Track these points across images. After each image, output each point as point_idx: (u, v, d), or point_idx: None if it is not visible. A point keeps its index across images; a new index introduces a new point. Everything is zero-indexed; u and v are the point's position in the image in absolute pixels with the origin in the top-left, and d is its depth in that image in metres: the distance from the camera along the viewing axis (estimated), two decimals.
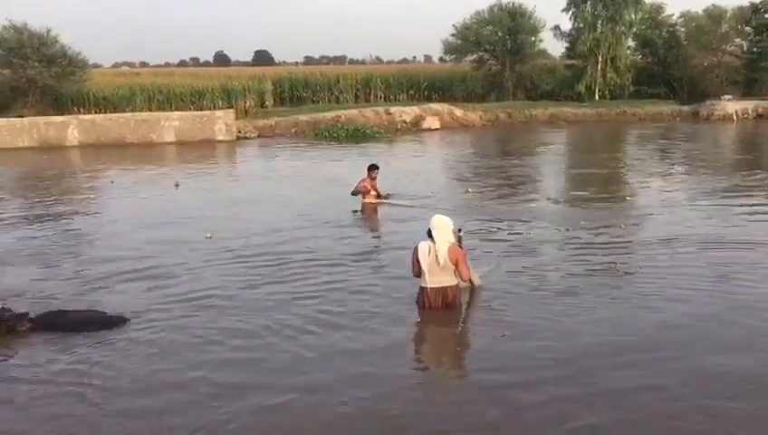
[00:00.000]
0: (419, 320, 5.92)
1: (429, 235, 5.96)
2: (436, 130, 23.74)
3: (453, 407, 4.46)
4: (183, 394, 4.64)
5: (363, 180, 10.87)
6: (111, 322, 5.86)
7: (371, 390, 4.65)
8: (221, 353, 5.27)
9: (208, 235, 8.72)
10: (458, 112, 25.44)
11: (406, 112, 24.58)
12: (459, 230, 6.27)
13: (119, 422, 4.30)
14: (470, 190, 12.09)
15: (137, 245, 8.44)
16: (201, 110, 23.62)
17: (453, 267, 5.93)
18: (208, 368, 5.02)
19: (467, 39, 29.97)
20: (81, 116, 21.56)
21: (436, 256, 5.87)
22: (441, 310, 5.96)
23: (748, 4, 28.77)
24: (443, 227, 5.96)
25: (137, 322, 5.90)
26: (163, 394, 4.65)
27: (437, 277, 5.94)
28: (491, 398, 4.51)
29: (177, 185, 12.85)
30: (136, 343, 5.49)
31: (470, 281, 6.36)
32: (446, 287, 5.98)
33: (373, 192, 10.82)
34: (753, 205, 10.40)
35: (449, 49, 31.10)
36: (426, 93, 30.43)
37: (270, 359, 5.16)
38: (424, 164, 16.19)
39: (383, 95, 30.34)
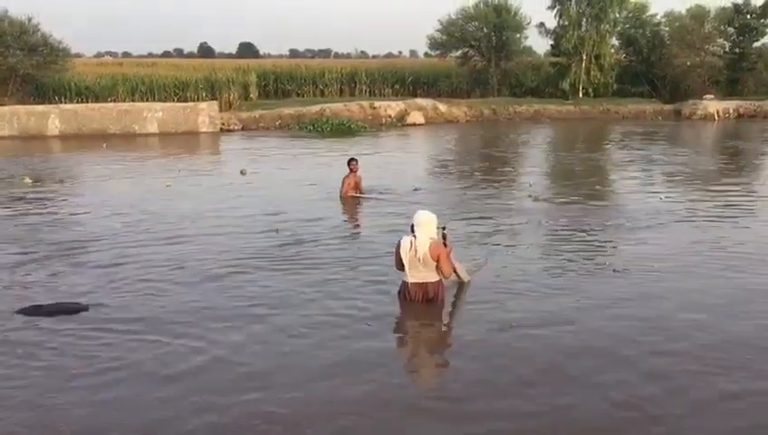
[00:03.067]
0: (400, 313, 5.92)
1: (412, 230, 5.96)
2: (420, 125, 23.79)
3: (429, 400, 4.49)
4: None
5: (346, 177, 10.86)
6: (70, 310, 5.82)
7: (344, 383, 4.61)
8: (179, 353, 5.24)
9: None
10: (443, 108, 25.49)
11: (391, 107, 24.60)
12: (443, 228, 6.23)
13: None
14: (452, 185, 12.14)
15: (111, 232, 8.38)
16: (185, 101, 23.48)
17: (434, 264, 5.93)
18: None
19: (452, 35, 30.12)
20: (62, 105, 21.35)
21: (417, 252, 5.88)
22: (423, 305, 5.96)
23: (730, 5, 29.07)
24: (425, 223, 5.94)
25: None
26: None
27: (418, 273, 5.95)
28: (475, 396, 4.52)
29: (243, 172, 12.87)
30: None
31: (458, 277, 6.37)
32: (427, 283, 5.97)
33: (352, 189, 10.80)
34: (731, 197, 10.54)
35: (434, 44, 31.24)
36: (411, 88, 30.52)
37: (240, 356, 5.03)
38: (407, 159, 16.21)
39: (368, 89, 30.36)
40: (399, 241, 6.03)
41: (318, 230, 8.65)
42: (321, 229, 8.72)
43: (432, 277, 5.98)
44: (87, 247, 7.88)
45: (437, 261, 5.92)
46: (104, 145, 17.83)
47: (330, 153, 16.10)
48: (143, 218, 9.34)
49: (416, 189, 11.46)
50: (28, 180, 12.08)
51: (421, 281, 5.96)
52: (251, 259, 7.34)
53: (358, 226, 9.52)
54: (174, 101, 23.99)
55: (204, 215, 9.52)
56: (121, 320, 5.66)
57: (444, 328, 5.88)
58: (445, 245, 6.11)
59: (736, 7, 28.73)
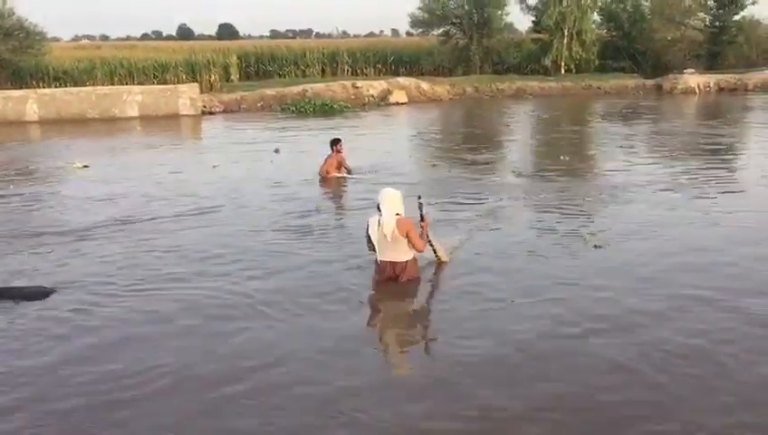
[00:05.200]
0: (373, 293, 5.87)
1: (378, 209, 5.90)
2: (403, 104, 23.71)
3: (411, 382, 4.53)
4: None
5: (329, 157, 10.83)
6: (29, 295, 5.69)
7: (318, 366, 4.58)
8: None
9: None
10: (425, 86, 25.41)
11: (373, 87, 24.46)
12: (419, 198, 6.10)
13: None
14: (435, 164, 12.15)
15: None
16: (164, 84, 23.22)
17: (404, 241, 5.84)
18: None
19: (434, 12, 29.93)
20: (40, 90, 21.02)
21: (384, 230, 5.81)
22: (395, 284, 5.89)
23: None
24: (389, 199, 5.85)
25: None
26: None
27: (387, 252, 5.88)
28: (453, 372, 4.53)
29: (276, 151, 12.93)
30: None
31: (435, 252, 6.33)
32: (397, 262, 5.89)
33: (336, 169, 10.78)
34: (710, 170, 10.65)
35: (416, 23, 31.03)
36: (393, 67, 30.38)
37: (209, 340, 4.96)
38: (391, 138, 16.20)
39: (350, 69, 30.17)
40: (368, 221, 5.99)
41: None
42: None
43: (402, 256, 5.90)
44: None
45: (407, 237, 5.84)
46: (138, 127, 17.88)
47: (347, 132, 16.04)
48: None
49: (434, 165, 11.72)
50: (78, 164, 12.15)
51: (391, 260, 5.90)
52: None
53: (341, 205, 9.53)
54: (154, 84, 23.73)
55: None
56: None
57: (414, 307, 5.76)
58: (422, 218, 6.04)
59: None
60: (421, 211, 6.09)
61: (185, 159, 13.40)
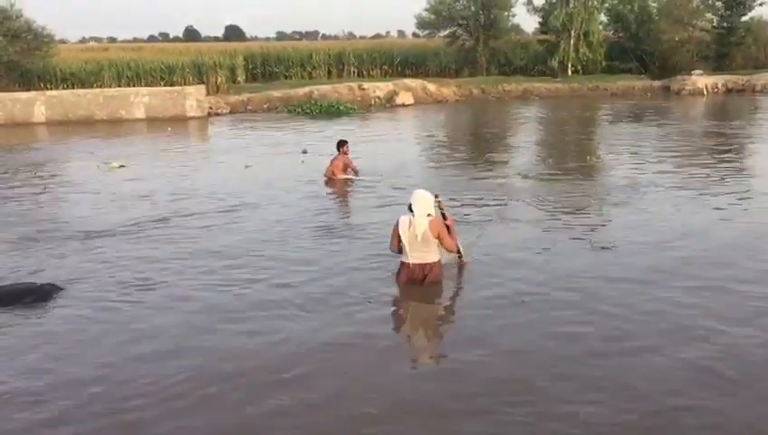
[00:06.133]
0: (399, 296, 5.87)
1: (410, 209, 5.91)
2: (409, 105, 23.69)
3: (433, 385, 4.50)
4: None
5: (335, 158, 10.82)
6: (39, 292, 5.75)
7: (344, 373, 4.56)
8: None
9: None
10: (432, 88, 25.38)
11: (379, 88, 24.45)
12: (436, 196, 6.06)
13: None
14: (441, 165, 12.13)
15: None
16: (171, 86, 23.28)
17: (435, 241, 5.88)
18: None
19: (440, 14, 29.89)
20: (48, 92, 21.13)
21: (416, 230, 5.83)
22: (422, 286, 5.89)
23: None
24: (421, 200, 5.89)
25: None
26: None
27: (418, 253, 5.89)
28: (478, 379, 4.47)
29: (305, 151, 12.93)
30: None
31: (458, 254, 6.32)
32: (427, 264, 5.91)
33: (342, 171, 10.76)
34: (717, 172, 10.58)
35: (423, 24, 30.99)
36: (399, 69, 30.34)
37: (223, 343, 4.98)
38: (397, 139, 16.18)
39: (356, 71, 30.17)
40: (397, 221, 5.98)
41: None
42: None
43: (432, 257, 5.93)
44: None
45: (438, 238, 5.89)
46: (168, 129, 18.01)
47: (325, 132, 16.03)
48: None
49: (404, 172, 11.47)
50: (114, 164, 12.29)
51: (421, 262, 5.91)
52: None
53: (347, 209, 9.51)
54: (161, 85, 23.80)
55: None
56: None
57: (444, 308, 5.83)
58: (444, 217, 6.08)
59: None
60: (442, 209, 6.10)
61: (217, 160, 13.37)
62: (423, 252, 5.89)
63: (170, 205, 9.23)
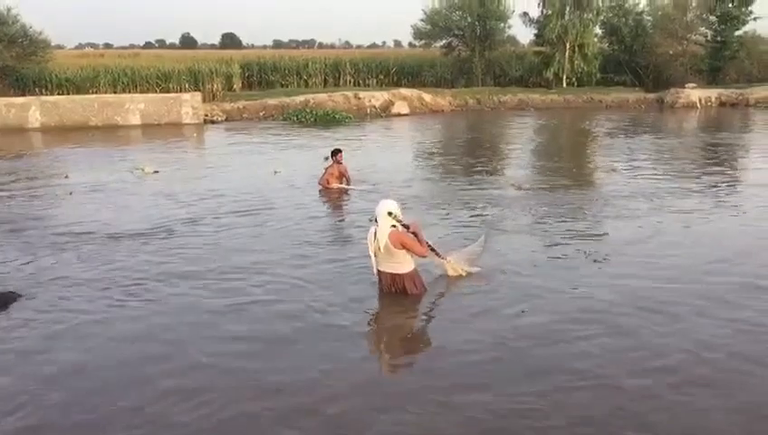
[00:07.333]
0: (377, 305, 5.88)
1: (376, 220, 5.86)
2: (405, 115, 23.77)
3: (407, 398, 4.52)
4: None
5: (329, 167, 10.84)
6: None
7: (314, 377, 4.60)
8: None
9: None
10: (428, 98, 25.47)
11: (375, 97, 24.53)
12: (390, 214, 5.82)
13: None
14: (435, 174, 12.18)
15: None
16: (167, 93, 23.30)
17: (401, 252, 5.79)
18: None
19: (437, 24, 30.06)
20: (43, 97, 21.11)
21: (378, 242, 5.79)
22: (397, 295, 5.88)
23: None
24: (383, 210, 5.82)
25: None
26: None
27: (384, 263, 5.88)
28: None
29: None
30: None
31: (439, 258, 6.28)
32: (397, 274, 5.87)
33: (336, 179, 10.79)
34: (709, 185, 10.65)
35: (419, 34, 31.15)
36: (395, 78, 30.42)
37: (187, 350, 4.98)
38: (392, 149, 16.22)
39: (352, 80, 30.23)
40: (369, 231, 5.97)
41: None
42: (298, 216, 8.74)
43: (400, 268, 5.86)
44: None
45: (404, 248, 5.79)
46: (194, 134, 18.25)
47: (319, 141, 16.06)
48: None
49: (402, 181, 11.49)
50: (148, 169, 12.34)
51: (391, 271, 5.88)
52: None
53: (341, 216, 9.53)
54: (156, 92, 23.81)
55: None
56: None
57: (414, 320, 5.72)
58: (407, 227, 5.89)
59: None
60: (399, 221, 5.87)
61: (249, 165, 13.40)
62: (390, 262, 5.85)
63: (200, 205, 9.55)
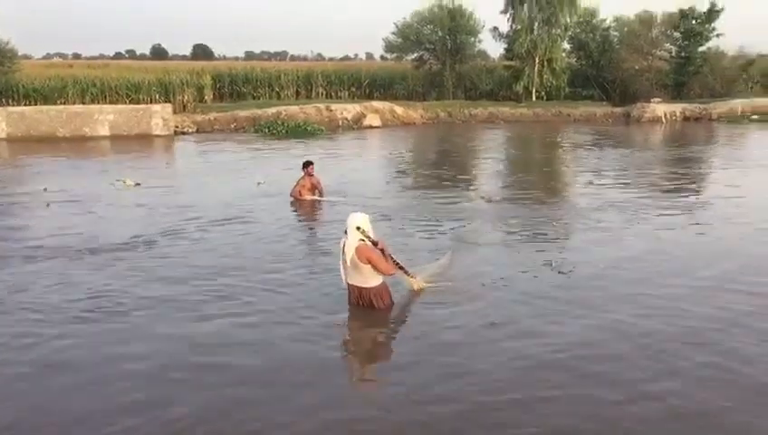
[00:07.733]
0: (346, 318, 5.90)
1: (346, 233, 5.85)
2: (377, 127, 23.90)
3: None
4: None
5: (301, 179, 10.86)
6: None
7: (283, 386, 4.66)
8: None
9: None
10: (399, 110, 25.65)
11: (347, 110, 24.63)
12: (358, 228, 5.82)
13: None
14: (406, 187, 12.28)
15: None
16: (137, 104, 23.10)
17: (367, 267, 5.76)
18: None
19: (408, 38, 30.30)
20: (9, 108, 20.78)
21: (345, 255, 5.78)
22: (365, 309, 5.87)
23: (677, 11, 29.90)
24: (352, 223, 5.80)
25: None
26: None
27: (351, 277, 5.86)
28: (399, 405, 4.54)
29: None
30: None
31: (407, 278, 6.32)
32: (361, 288, 5.84)
33: (308, 191, 10.81)
34: (675, 197, 10.90)
35: (390, 47, 31.38)
36: (367, 91, 30.59)
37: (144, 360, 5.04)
38: (363, 161, 16.29)
39: (325, 92, 30.32)
40: (340, 242, 5.95)
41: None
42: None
43: (366, 283, 5.82)
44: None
45: (369, 263, 5.75)
46: (166, 145, 17.56)
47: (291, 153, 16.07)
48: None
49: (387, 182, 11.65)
50: (129, 182, 12.26)
51: (358, 284, 5.86)
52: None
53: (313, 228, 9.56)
54: (126, 103, 23.59)
55: None
56: None
57: (381, 334, 5.72)
58: (375, 244, 5.87)
59: (682, 13, 29.55)
60: (368, 237, 5.86)
61: (225, 177, 13.37)
62: (357, 275, 5.82)
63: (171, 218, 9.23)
